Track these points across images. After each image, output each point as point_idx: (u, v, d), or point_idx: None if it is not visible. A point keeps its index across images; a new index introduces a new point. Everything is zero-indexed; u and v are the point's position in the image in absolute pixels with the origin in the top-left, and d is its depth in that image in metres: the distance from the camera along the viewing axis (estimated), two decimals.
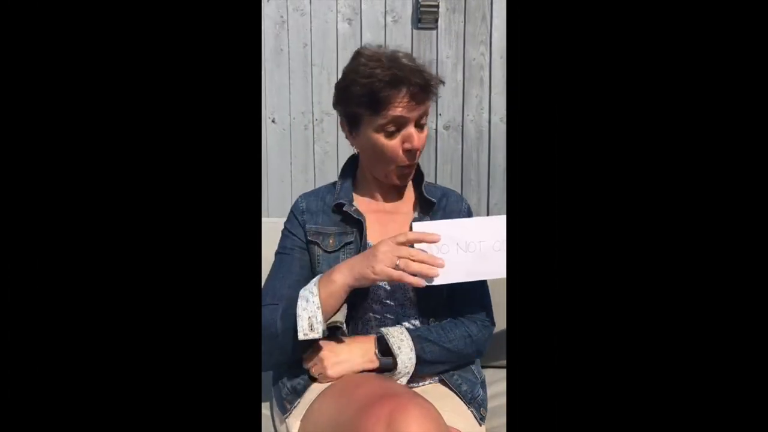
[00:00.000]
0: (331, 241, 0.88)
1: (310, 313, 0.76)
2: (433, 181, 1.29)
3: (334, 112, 1.52)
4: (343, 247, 0.87)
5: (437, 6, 1.47)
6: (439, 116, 1.54)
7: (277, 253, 0.92)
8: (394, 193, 0.95)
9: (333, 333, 0.80)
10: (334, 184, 0.97)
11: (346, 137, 0.92)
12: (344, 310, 0.80)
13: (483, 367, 1.04)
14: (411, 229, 0.76)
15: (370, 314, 0.86)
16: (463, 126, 1.55)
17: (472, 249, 0.74)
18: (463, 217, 0.95)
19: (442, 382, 0.88)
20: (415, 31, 1.52)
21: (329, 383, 0.79)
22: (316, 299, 0.77)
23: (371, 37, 1.51)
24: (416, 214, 0.92)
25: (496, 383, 1.11)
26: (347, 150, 1.54)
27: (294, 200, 0.96)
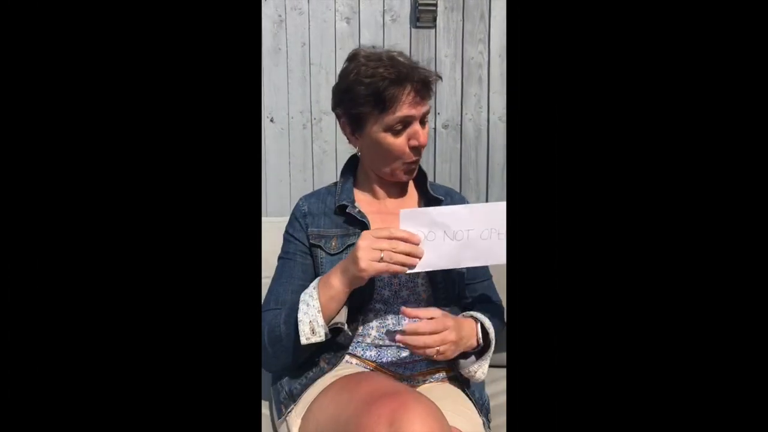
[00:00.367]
0: (333, 243, 0.88)
1: (311, 317, 0.77)
2: (432, 180, 1.29)
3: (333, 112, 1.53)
4: (346, 248, 0.87)
5: (435, 5, 1.47)
6: (437, 115, 1.54)
7: (280, 258, 0.93)
8: (396, 193, 0.95)
9: (335, 334, 0.80)
10: (334, 184, 0.97)
11: (348, 139, 0.92)
12: (345, 311, 0.80)
13: None
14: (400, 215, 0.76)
15: (371, 315, 0.87)
16: (461, 125, 1.55)
17: (460, 237, 0.74)
18: None
19: (444, 381, 0.89)
20: (413, 29, 1.52)
21: (330, 382, 0.79)
22: (317, 303, 0.77)
23: (369, 36, 1.50)
24: None
25: (495, 382, 1.11)
26: (346, 149, 1.54)
27: (292, 199, 0.97)
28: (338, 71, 0.89)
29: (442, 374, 0.89)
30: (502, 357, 1.11)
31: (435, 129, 1.54)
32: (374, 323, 0.86)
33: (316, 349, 0.82)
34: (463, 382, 0.87)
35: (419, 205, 0.95)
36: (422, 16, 1.48)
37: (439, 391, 0.85)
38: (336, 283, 0.77)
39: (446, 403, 0.78)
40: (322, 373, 0.83)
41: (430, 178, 0.99)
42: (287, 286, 0.87)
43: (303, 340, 0.76)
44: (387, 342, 0.86)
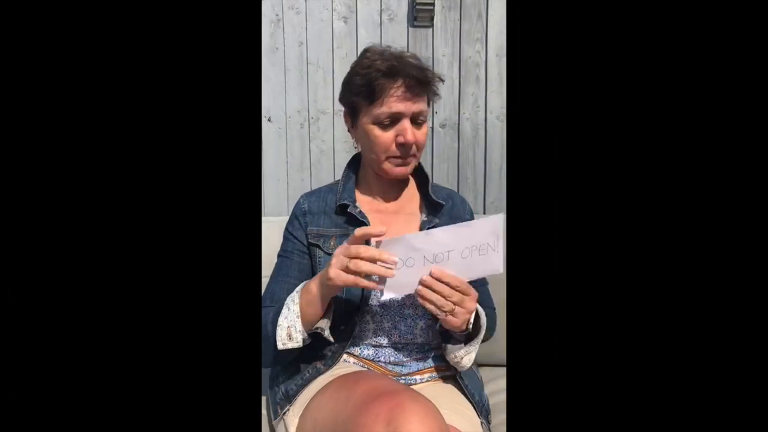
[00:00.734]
0: (332, 242, 0.88)
1: (290, 322, 0.76)
2: (429, 180, 1.29)
3: (330, 111, 1.53)
4: None
5: (433, 4, 1.47)
6: (435, 114, 1.54)
7: (279, 255, 0.93)
8: (397, 193, 0.95)
9: (316, 339, 0.80)
10: (336, 183, 0.96)
11: (349, 131, 0.93)
12: (329, 315, 0.80)
13: (479, 365, 1.05)
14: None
15: (368, 317, 0.86)
16: (459, 124, 1.55)
17: (440, 259, 0.73)
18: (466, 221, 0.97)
19: (442, 380, 0.89)
20: (410, 29, 1.52)
21: (327, 382, 0.79)
22: (296, 308, 0.77)
23: (367, 36, 1.50)
24: (424, 216, 0.92)
25: (494, 381, 1.11)
26: (343, 148, 1.54)
27: (289, 199, 0.96)
28: (335, 70, 0.90)
29: (440, 373, 0.89)
30: (502, 356, 1.11)
31: (432, 128, 1.54)
32: (371, 325, 0.86)
33: (307, 351, 0.82)
34: (460, 382, 0.87)
35: (421, 208, 0.95)
36: (419, 16, 1.48)
37: (436, 390, 0.85)
38: (313, 288, 0.77)
39: (443, 402, 0.78)
40: (319, 373, 0.83)
41: None
42: (282, 285, 0.87)
43: (279, 346, 0.76)
44: (384, 342, 0.86)
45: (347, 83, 0.87)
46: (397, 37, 1.51)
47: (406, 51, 0.87)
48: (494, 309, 0.98)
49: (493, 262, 0.76)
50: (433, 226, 0.90)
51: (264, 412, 0.96)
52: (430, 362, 0.89)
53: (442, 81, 0.88)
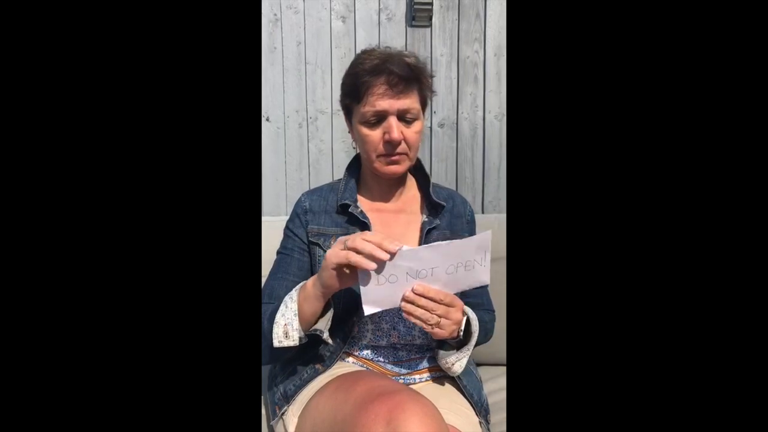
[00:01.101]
0: (332, 241, 0.88)
1: (287, 320, 0.76)
2: None
3: (329, 111, 1.53)
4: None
5: (431, 4, 1.47)
6: (433, 114, 1.54)
7: (278, 252, 0.92)
8: (398, 193, 0.95)
9: (314, 340, 0.80)
10: (338, 182, 0.96)
11: (349, 133, 0.93)
12: (329, 317, 0.79)
13: (478, 365, 1.05)
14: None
15: (366, 318, 0.86)
16: (457, 124, 1.55)
17: (423, 275, 0.72)
18: (467, 222, 0.97)
19: (441, 380, 0.89)
20: (409, 28, 1.52)
21: (326, 381, 0.79)
22: (294, 306, 0.77)
23: (365, 35, 1.50)
24: (424, 217, 0.92)
25: (493, 379, 1.11)
26: (342, 148, 1.54)
27: (288, 198, 0.96)
28: (334, 70, 0.90)
29: (438, 373, 0.89)
30: (501, 355, 1.11)
31: (431, 128, 1.54)
32: (370, 326, 0.86)
33: (305, 352, 0.82)
34: (459, 382, 0.87)
35: (422, 208, 0.95)
36: (418, 15, 1.48)
37: (435, 389, 0.85)
38: (309, 284, 0.77)
39: (442, 401, 0.78)
40: (317, 374, 0.83)
41: None
42: (281, 282, 0.87)
43: (275, 343, 0.76)
44: (383, 343, 0.86)
45: (341, 85, 0.88)
46: (395, 36, 1.51)
47: (404, 51, 0.86)
48: (494, 311, 0.98)
49: (480, 276, 0.75)
50: (434, 227, 0.90)
51: (263, 412, 0.96)
52: (429, 362, 0.89)
53: (432, 77, 0.88)
